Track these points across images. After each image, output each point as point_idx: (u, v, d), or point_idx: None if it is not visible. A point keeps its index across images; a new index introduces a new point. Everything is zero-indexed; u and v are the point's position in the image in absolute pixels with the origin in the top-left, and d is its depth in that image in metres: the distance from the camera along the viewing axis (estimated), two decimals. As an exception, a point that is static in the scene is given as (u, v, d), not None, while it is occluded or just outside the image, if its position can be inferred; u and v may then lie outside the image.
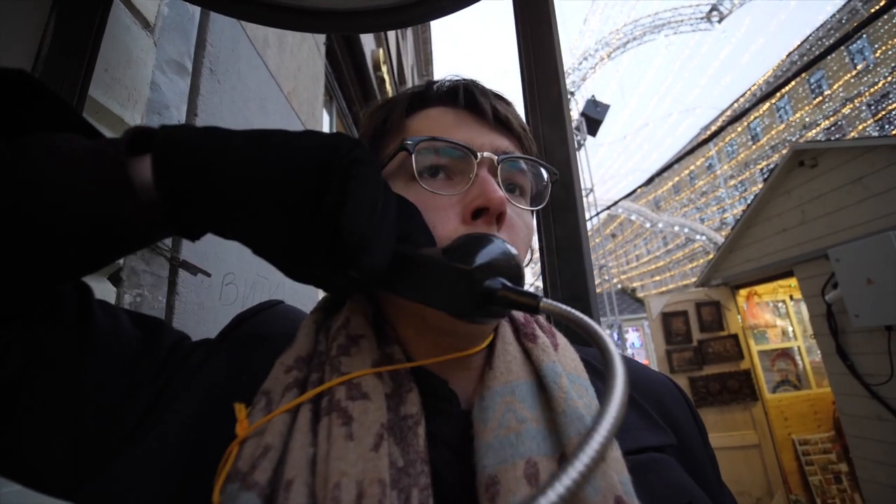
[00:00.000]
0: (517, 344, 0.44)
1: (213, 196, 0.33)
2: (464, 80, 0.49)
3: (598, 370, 0.46)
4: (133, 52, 1.08)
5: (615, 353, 0.25)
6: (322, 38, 3.13)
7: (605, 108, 12.39)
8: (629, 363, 0.52)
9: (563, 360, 0.43)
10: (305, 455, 0.31)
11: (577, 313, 0.30)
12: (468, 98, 0.46)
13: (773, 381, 4.83)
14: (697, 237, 21.43)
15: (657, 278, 28.23)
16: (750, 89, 21.40)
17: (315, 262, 0.34)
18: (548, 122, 0.77)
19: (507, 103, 0.49)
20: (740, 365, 4.70)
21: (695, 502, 0.37)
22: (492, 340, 0.44)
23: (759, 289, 4.91)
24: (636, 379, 0.48)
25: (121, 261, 1.06)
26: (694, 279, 5.47)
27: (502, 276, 0.34)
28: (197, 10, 1.48)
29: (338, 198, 0.30)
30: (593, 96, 12.19)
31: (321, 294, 0.49)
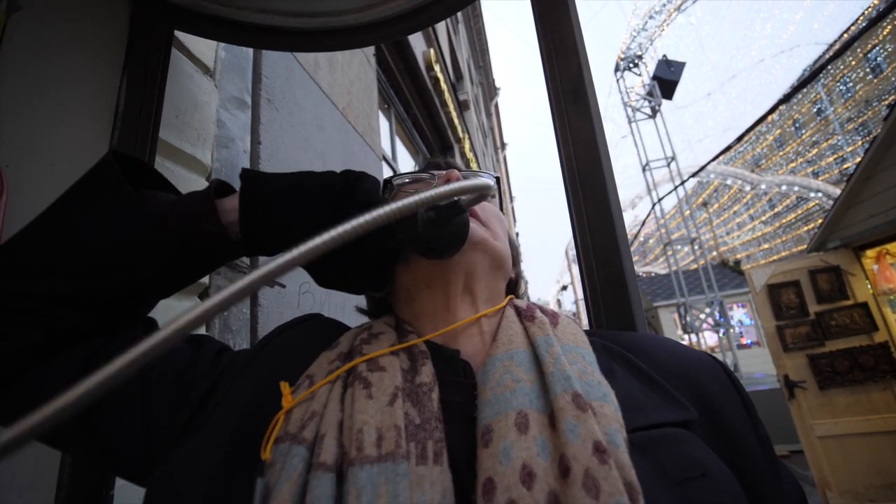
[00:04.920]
0: (519, 324, 0.49)
1: (275, 209, 0.47)
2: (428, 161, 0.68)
3: (615, 352, 0.48)
4: (198, 96, 1.22)
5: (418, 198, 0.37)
6: (371, 49, 3.26)
7: (681, 66, 11.30)
8: (662, 342, 0.52)
9: (561, 334, 0.47)
10: (335, 418, 0.37)
11: (413, 199, 0.37)
12: (426, 163, 0.66)
13: (921, 354, 4.07)
14: (811, 195, 18.71)
15: (766, 246, 25.14)
16: (863, 13, 17.98)
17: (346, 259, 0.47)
18: (570, 98, 0.74)
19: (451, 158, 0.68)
20: (874, 338, 4.02)
21: (710, 475, 0.35)
22: (499, 322, 0.51)
23: (892, 247, 4.16)
24: (665, 357, 0.48)
25: (207, 280, 1.21)
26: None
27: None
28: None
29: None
30: (665, 56, 11.18)
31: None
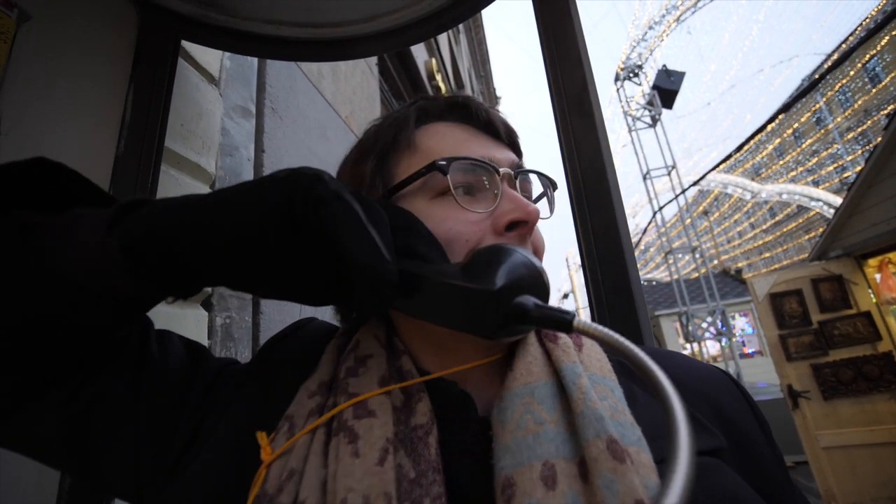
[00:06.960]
0: (539, 345, 0.43)
1: (187, 256, 0.34)
2: (462, 96, 0.50)
3: (631, 371, 0.44)
4: (203, 105, 1.23)
5: (662, 377, 0.26)
6: (373, 59, 3.28)
7: (680, 75, 11.41)
8: (675, 358, 0.49)
9: (587, 360, 0.41)
10: (318, 476, 0.33)
11: (614, 335, 0.30)
12: (481, 115, 0.49)
13: (926, 363, 4.04)
14: (812, 203, 18.74)
15: (766, 255, 25.13)
16: (861, 24, 18.12)
17: (327, 292, 0.35)
18: (574, 110, 0.75)
19: (506, 118, 0.52)
20: (878, 347, 4.00)
21: None
22: (513, 344, 0.44)
23: (894, 256, 4.16)
24: (683, 376, 0.44)
25: (209, 287, 1.21)
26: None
27: (529, 291, 0.33)
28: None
29: (320, 222, 0.30)
30: (664, 66, 11.27)
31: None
